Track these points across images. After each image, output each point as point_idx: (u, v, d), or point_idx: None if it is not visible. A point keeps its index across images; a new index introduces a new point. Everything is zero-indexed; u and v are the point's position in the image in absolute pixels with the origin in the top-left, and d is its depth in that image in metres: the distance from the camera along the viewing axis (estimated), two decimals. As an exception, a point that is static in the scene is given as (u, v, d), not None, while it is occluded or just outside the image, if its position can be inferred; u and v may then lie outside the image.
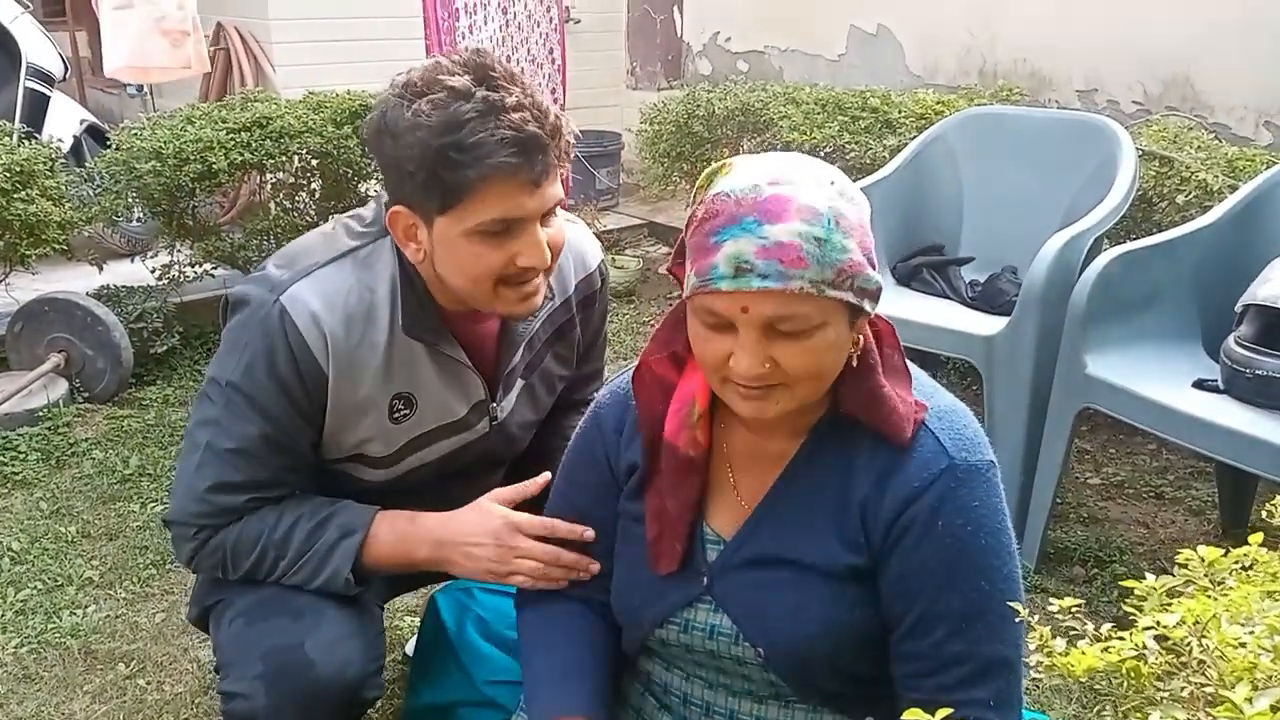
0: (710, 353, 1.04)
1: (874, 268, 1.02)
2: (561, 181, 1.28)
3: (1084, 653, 0.89)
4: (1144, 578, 0.92)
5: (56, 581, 2.31)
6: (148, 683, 1.99)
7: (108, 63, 4.05)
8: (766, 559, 1.13)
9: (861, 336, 1.06)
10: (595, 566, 1.25)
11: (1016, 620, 1.08)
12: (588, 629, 1.25)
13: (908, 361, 1.13)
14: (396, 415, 1.36)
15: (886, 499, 1.07)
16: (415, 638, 1.98)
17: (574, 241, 1.46)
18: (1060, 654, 0.90)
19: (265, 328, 1.25)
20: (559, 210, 1.29)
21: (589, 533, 1.25)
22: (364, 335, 1.29)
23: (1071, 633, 0.94)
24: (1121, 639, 0.89)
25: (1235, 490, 2.45)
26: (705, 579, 1.15)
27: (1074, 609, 0.96)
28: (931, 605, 1.06)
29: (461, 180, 1.15)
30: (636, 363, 1.19)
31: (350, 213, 1.39)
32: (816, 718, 1.16)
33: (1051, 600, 0.98)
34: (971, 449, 1.08)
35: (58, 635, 2.12)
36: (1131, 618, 0.92)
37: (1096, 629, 0.94)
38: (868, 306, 1.03)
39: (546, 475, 1.31)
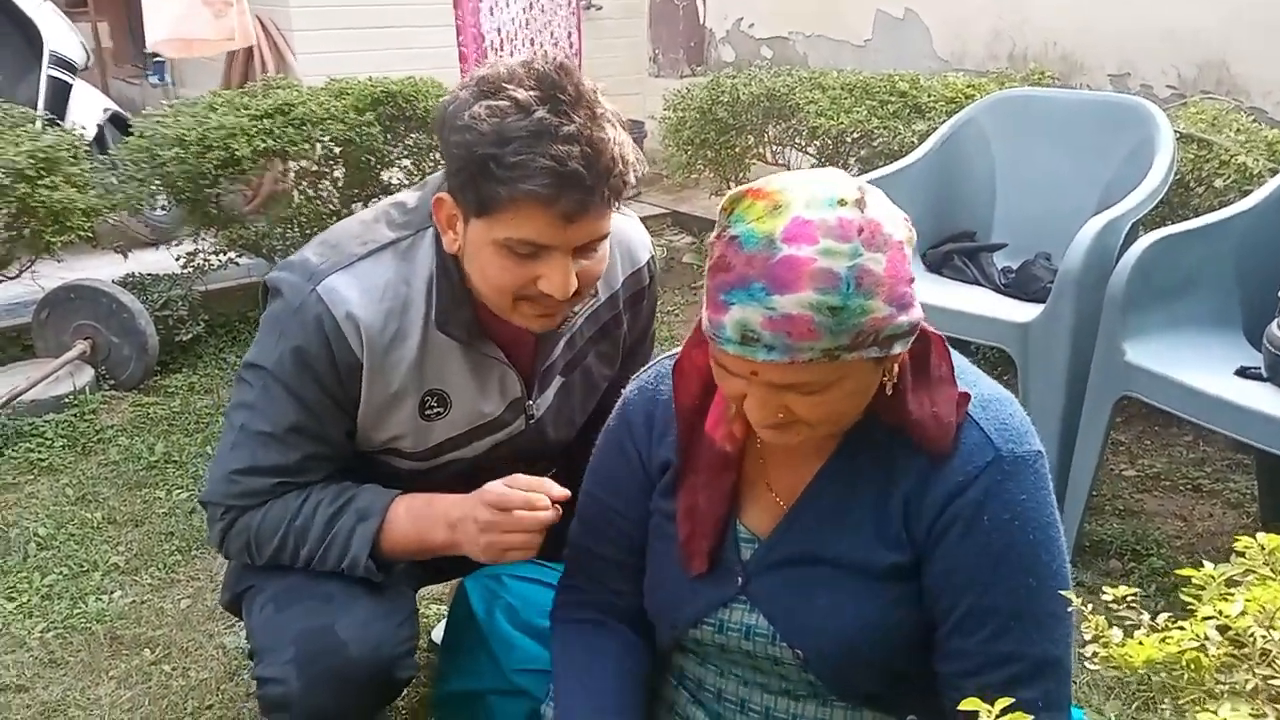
0: (726, 389, 1.02)
1: (908, 307, 0.95)
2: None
3: (1141, 643, 0.86)
4: (1184, 571, 0.89)
5: (82, 567, 2.31)
6: (173, 668, 1.98)
7: (150, 35, 4.04)
8: (804, 558, 1.10)
9: (897, 365, 1.02)
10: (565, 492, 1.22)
11: (1066, 618, 1.05)
12: (622, 652, 1.23)
13: (951, 356, 1.08)
14: (429, 412, 1.34)
15: (930, 494, 1.04)
16: (441, 625, 1.97)
17: (622, 234, 1.41)
18: (1117, 645, 0.86)
19: (301, 317, 1.25)
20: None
21: (549, 485, 1.21)
22: (399, 329, 1.28)
23: (1127, 624, 0.91)
24: (1181, 629, 0.86)
25: (1276, 482, 2.39)
26: (740, 579, 1.12)
27: (1128, 599, 0.92)
28: (978, 602, 1.03)
29: (494, 194, 1.13)
30: (675, 354, 1.15)
31: (393, 199, 1.36)
32: (856, 716, 1.13)
33: (1105, 591, 0.94)
34: (1018, 439, 1.05)
35: (83, 620, 2.12)
36: (1190, 607, 0.88)
37: (1152, 619, 0.90)
38: (898, 348, 0.97)
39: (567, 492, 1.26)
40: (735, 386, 1.00)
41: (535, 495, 1.21)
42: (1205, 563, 0.92)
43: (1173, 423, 2.86)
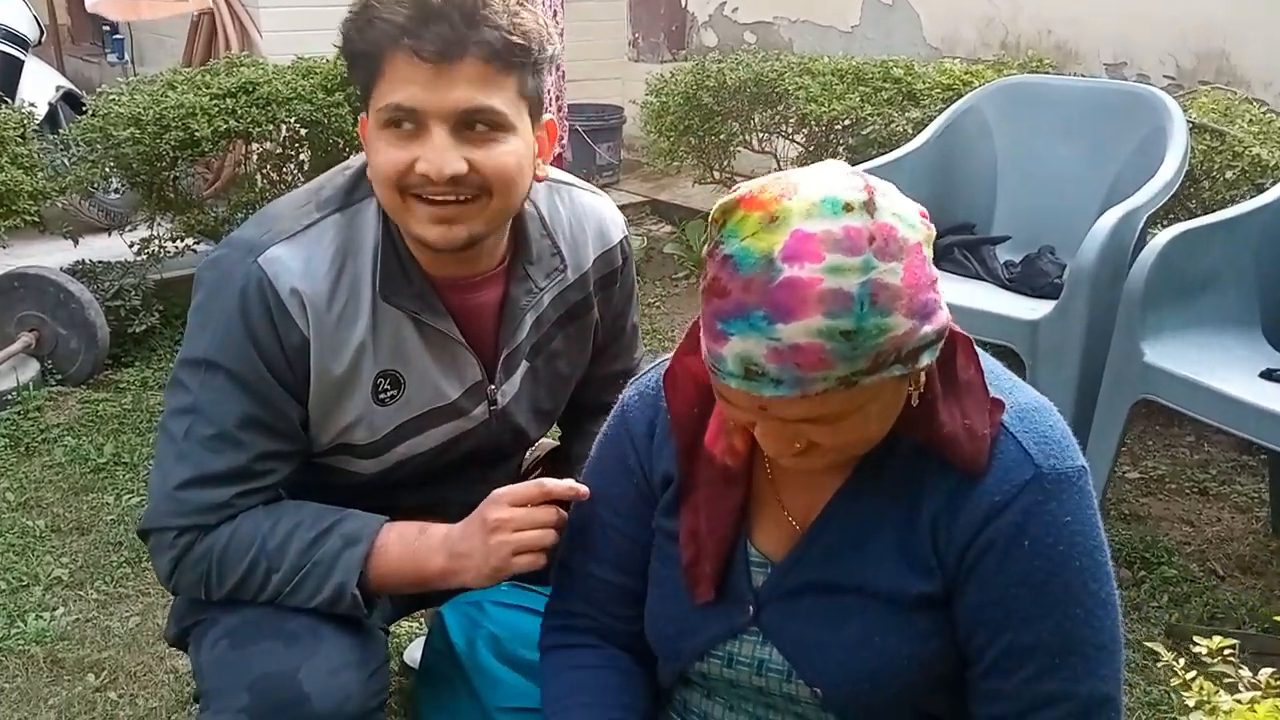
0: (734, 420, 0.92)
1: (933, 314, 0.83)
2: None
3: (1254, 709, 0.73)
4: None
5: (22, 581, 2.15)
6: (119, 696, 1.83)
7: None
8: (823, 585, 0.99)
9: (924, 374, 0.90)
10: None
11: (1116, 651, 0.94)
12: (622, 684, 1.11)
13: (981, 358, 0.96)
14: (382, 395, 1.22)
15: (962, 515, 0.93)
16: (415, 644, 1.84)
17: (593, 212, 1.33)
18: (1225, 713, 0.74)
19: (243, 293, 1.13)
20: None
21: (585, 489, 1.12)
22: (346, 303, 1.17)
23: (1225, 680, 0.79)
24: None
25: (1290, 487, 2.30)
26: (751, 608, 1.02)
27: (1226, 651, 0.80)
28: (1018, 637, 0.92)
29: (363, 52, 1.09)
30: (668, 360, 1.04)
31: (337, 167, 1.26)
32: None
33: (1196, 642, 0.82)
34: (1060, 454, 0.94)
35: (21, 642, 1.95)
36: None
37: (1253, 675, 0.78)
38: (925, 360, 0.85)
39: (576, 486, 1.13)
40: (743, 418, 0.90)
41: (578, 486, 1.13)
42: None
43: (1174, 422, 2.77)
